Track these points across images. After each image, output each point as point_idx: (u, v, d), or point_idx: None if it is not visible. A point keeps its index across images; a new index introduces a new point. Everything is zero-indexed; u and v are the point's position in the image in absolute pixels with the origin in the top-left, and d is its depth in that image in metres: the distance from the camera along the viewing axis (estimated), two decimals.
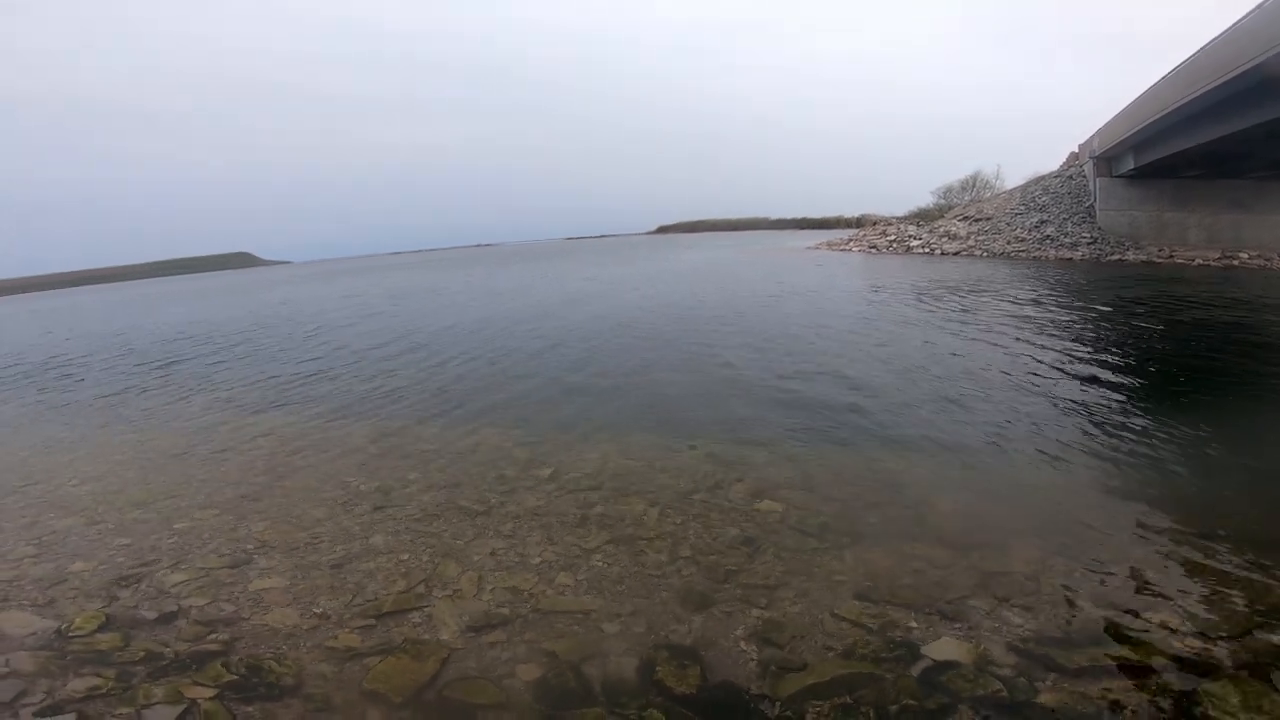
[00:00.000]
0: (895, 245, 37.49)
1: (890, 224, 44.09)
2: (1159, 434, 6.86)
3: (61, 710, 3.40)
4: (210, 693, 3.50)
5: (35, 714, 3.39)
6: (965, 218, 36.91)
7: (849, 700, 3.29)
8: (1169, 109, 19.78)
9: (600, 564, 4.79)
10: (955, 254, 32.77)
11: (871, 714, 3.18)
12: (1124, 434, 6.94)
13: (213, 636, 4.06)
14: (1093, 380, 9.15)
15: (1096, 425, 7.25)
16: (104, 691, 3.54)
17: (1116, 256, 27.79)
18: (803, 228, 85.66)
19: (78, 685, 3.60)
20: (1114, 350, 11.10)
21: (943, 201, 43.56)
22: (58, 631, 4.18)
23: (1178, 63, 19.19)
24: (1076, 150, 37.41)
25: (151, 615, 4.33)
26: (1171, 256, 26.79)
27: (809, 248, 44.07)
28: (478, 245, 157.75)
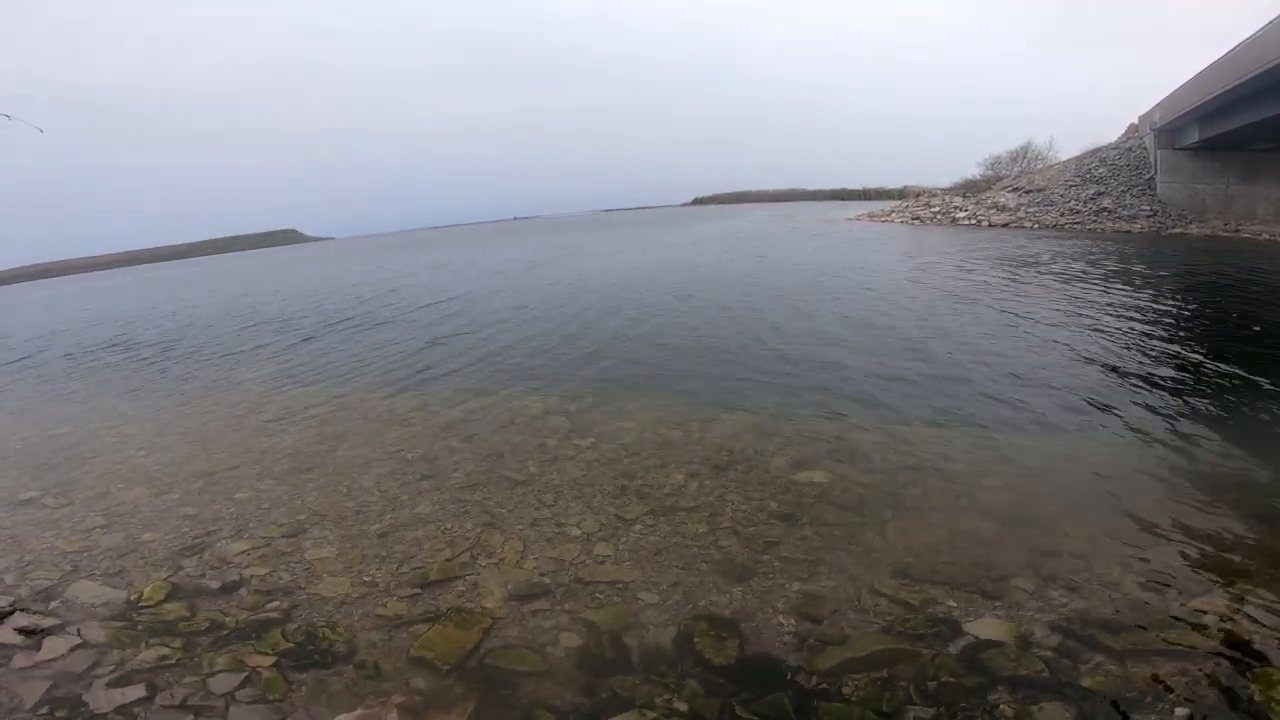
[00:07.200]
0: (940, 216, 36.39)
1: (934, 195, 42.77)
2: (1220, 416, 6.61)
3: (131, 681, 3.55)
4: (269, 661, 3.66)
5: (107, 685, 3.53)
6: (1015, 189, 35.58)
7: (886, 675, 3.31)
8: (1242, 79, 18.67)
9: (640, 535, 4.87)
10: (1004, 225, 31.70)
11: (910, 690, 3.19)
12: (1182, 414, 6.71)
13: (272, 605, 4.25)
14: (1153, 359, 8.82)
15: (1154, 404, 7.01)
16: (172, 662, 3.71)
17: (1178, 230, 26.59)
18: (842, 199, 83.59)
19: (147, 656, 3.77)
20: (1179, 327, 10.67)
21: (990, 173, 41.94)
22: (128, 602, 4.38)
23: (1252, 32, 18.10)
24: (1136, 122, 35.63)
25: (215, 585, 4.53)
26: (1237, 230, 25.46)
27: (849, 219, 43.11)
28: (514, 219, 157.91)
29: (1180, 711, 2.94)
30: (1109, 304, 12.39)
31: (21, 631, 4.04)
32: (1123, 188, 31.03)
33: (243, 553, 4.95)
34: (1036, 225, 30.77)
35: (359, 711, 3.23)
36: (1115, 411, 6.81)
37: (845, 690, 3.23)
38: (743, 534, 4.78)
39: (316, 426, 7.94)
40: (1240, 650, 3.31)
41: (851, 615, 3.81)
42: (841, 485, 5.47)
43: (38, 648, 3.87)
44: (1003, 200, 34.76)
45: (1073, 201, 31.69)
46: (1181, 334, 10.07)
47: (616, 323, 13.28)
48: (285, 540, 5.11)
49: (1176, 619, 3.59)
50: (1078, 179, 33.45)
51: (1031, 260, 19.04)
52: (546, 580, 4.36)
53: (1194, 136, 26.09)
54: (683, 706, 3.17)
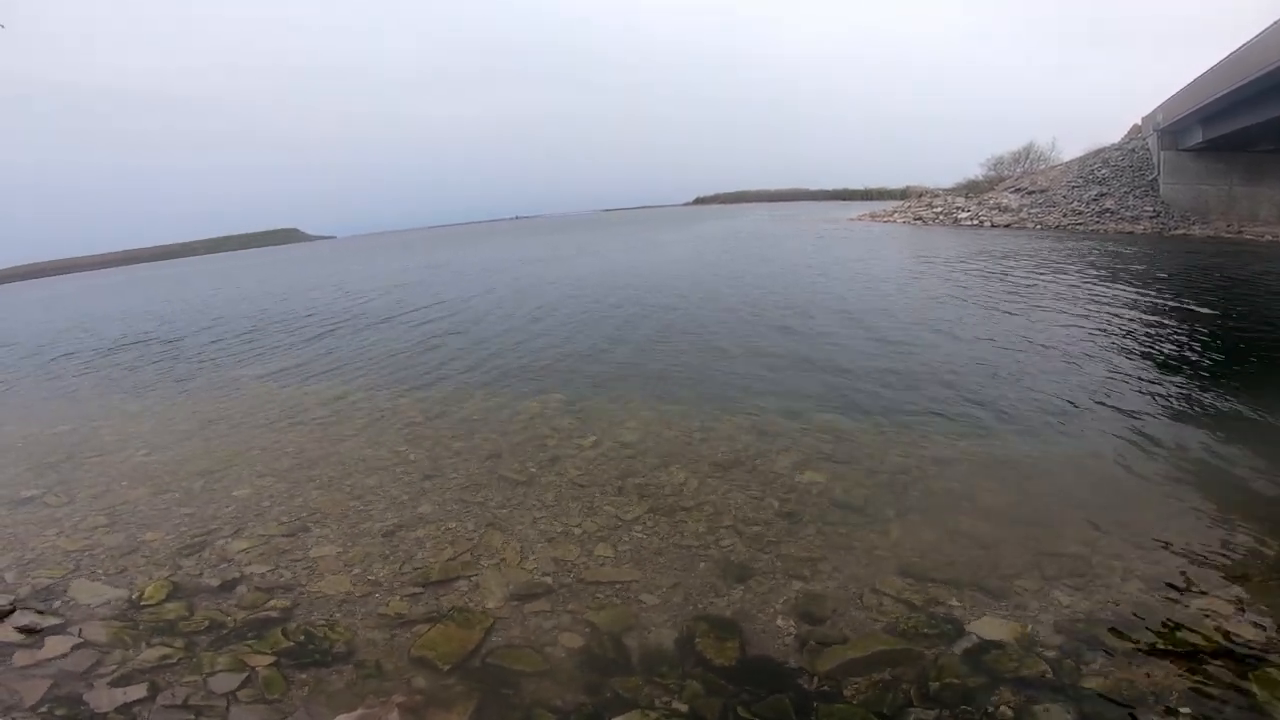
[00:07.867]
0: (942, 217, 36.37)
1: (937, 195, 42.77)
2: (1222, 416, 6.59)
3: (133, 680, 3.55)
4: (268, 660, 3.66)
5: (108, 684, 3.52)
6: (1018, 190, 35.58)
7: (888, 676, 3.30)
8: (1246, 80, 18.63)
9: (640, 535, 4.86)
10: (1006, 226, 31.70)
11: (911, 691, 3.18)
12: (1183, 416, 6.69)
13: (271, 604, 4.24)
14: (1154, 361, 8.81)
15: (1155, 406, 7.00)
16: (173, 661, 3.71)
17: (1181, 231, 26.56)
18: (844, 199, 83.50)
19: (149, 655, 3.76)
20: (1181, 329, 10.64)
21: (993, 173, 41.91)
22: (129, 601, 4.37)
23: (1257, 31, 18.05)
24: (1139, 123, 35.57)
25: (215, 583, 4.53)
26: (1240, 232, 25.41)
27: (851, 219, 43.08)
28: (515, 218, 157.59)
29: (1182, 712, 2.93)
30: (1110, 306, 12.37)
31: (23, 630, 4.04)
32: (1125, 189, 30.98)
33: (243, 551, 4.95)
34: (1039, 226, 30.75)
35: (359, 711, 3.23)
36: (1116, 413, 6.79)
37: (847, 692, 3.22)
38: (744, 534, 4.78)
39: (318, 425, 7.94)
40: (1244, 654, 3.29)
41: (853, 616, 3.80)
42: (843, 485, 5.46)
43: (39, 646, 3.87)
44: (1005, 201, 34.75)
45: (1075, 202, 31.66)
46: (1183, 336, 10.04)
47: (616, 323, 13.28)
48: (286, 539, 5.11)
49: (1179, 620, 3.58)
50: (1080, 180, 33.41)
51: (1033, 262, 19.02)
52: (548, 580, 4.35)
53: (1197, 137, 26.06)
54: (684, 707, 3.17)
